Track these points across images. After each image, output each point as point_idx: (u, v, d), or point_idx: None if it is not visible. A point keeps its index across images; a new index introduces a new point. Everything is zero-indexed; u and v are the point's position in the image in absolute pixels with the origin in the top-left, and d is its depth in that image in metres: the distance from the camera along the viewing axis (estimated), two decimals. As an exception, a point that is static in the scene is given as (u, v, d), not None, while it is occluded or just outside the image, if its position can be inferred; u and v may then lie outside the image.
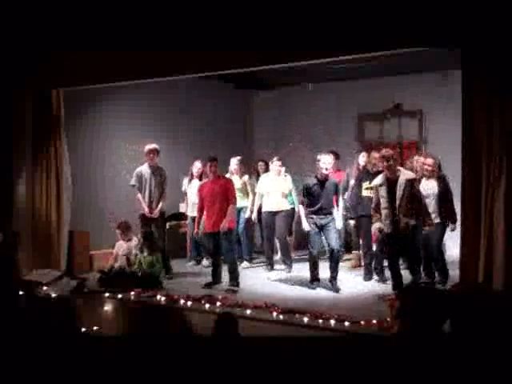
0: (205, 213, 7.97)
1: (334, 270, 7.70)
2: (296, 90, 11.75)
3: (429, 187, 7.50)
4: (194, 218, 8.90)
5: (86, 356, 4.34)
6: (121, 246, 8.41)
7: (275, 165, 8.95)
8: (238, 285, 7.74)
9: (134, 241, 8.37)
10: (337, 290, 7.55)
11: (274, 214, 8.92)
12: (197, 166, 9.43)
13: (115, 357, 4.23)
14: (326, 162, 7.66)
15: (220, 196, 7.88)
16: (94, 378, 4.09)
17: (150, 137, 10.27)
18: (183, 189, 9.65)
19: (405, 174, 7.01)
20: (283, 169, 9.12)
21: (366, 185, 8.10)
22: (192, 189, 9.22)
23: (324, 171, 7.65)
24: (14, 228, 8.06)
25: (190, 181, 9.51)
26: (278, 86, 11.87)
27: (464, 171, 5.91)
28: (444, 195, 7.49)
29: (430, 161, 7.64)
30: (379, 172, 7.54)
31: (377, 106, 11.04)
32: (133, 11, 7.17)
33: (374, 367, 4.21)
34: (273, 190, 8.94)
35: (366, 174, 8.21)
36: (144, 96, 10.03)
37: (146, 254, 8.04)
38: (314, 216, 7.69)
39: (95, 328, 5.44)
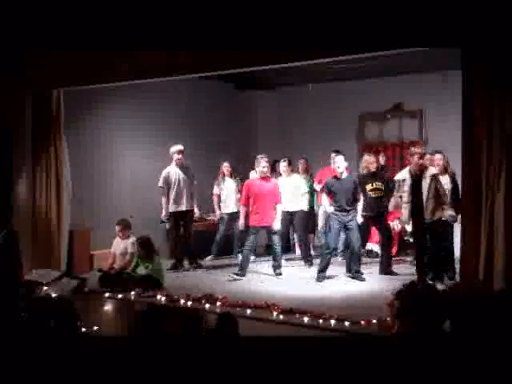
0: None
1: (355, 263, 8.24)
2: (296, 90, 11.76)
3: (443, 183, 7.65)
4: (230, 214, 9.78)
5: (85, 356, 4.34)
6: (117, 245, 8.37)
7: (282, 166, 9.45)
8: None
9: (132, 239, 8.32)
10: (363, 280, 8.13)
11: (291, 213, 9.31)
12: (225, 166, 10.00)
13: (115, 357, 4.22)
14: (337, 161, 8.28)
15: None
16: (94, 378, 4.09)
17: (150, 137, 10.32)
18: (215, 190, 10.05)
19: (429, 170, 7.51)
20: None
21: (369, 187, 8.46)
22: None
23: (338, 170, 8.26)
24: (13, 227, 8.07)
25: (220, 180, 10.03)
26: (278, 86, 11.88)
27: (464, 171, 5.91)
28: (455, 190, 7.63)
29: (438, 156, 7.84)
30: (375, 173, 8.44)
31: (377, 106, 11.05)
32: (133, 11, 7.16)
33: (374, 367, 4.20)
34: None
35: (368, 177, 8.58)
36: (144, 96, 10.04)
37: (145, 260, 7.98)
38: (338, 213, 8.17)
39: (95, 328, 5.44)
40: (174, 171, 9.19)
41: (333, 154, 9.11)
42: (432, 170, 7.60)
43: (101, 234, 9.20)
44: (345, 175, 8.30)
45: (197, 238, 9.86)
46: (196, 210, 9.36)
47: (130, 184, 10.06)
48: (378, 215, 8.49)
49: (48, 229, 8.40)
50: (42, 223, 8.40)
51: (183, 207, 9.20)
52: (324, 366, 4.39)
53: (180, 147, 9.23)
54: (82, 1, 7.51)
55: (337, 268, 9.25)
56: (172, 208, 9.16)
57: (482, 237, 5.67)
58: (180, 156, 9.18)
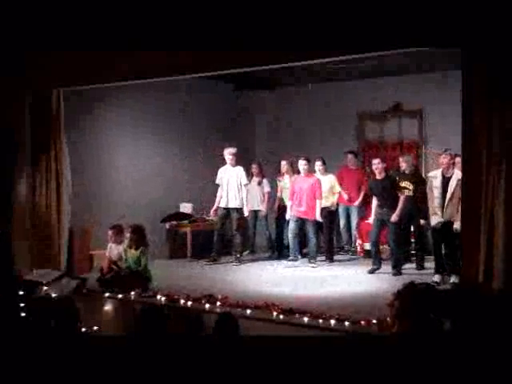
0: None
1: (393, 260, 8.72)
2: (296, 90, 11.75)
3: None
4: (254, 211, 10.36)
5: (86, 356, 4.34)
6: (112, 251, 8.22)
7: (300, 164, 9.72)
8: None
9: (124, 243, 8.19)
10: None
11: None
12: (254, 167, 10.55)
13: (115, 357, 4.23)
14: (375, 163, 8.87)
15: None
16: (94, 378, 4.09)
17: (150, 136, 10.33)
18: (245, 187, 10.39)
19: (457, 174, 7.73)
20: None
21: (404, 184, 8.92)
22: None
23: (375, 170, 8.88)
24: (8, 229, 8.08)
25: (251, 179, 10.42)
26: (278, 86, 11.87)
27: (464, 171, 5.91)
28: None
29: (458, 159, 8.23)
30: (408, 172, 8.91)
31: (377, 106, 11.05)
32: (133, 11, 7.16)
33: (374, 367, 4.21)
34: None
35: (401, 175, 9.09)
36: (144, 96, 10.05)
37: (133, 249, 7.88)
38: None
39: (95, 328, 5.44)
40: (225, 170, 9.86)
41: (350, 156, 10.52)
42: (459, 175, 7.86)
43: (101, 233, 9.18)
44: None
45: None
46: (245, 208, 9.81)
47: (130, 184, 10.06)
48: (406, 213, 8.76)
49: (48, 228, 8.39)
50: (42, 223, 8.39)
51: (229, 204, 9.76)
52: (324, 366, 4.39)
53: (229, 150, 9.80)
54: (82, 1, 7.51)
55: (337, 268, 9.27)
56: (220, 203, 9.83)
57: (481, 237, 5.67)
58: (230, 157, 9.79)
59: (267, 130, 12.17)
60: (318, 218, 9.42)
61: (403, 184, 8.85)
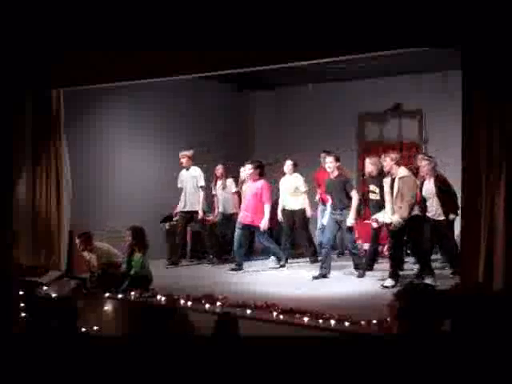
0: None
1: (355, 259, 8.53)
2: (296, 90, 11.75)
3: (428, 188, 8.10)
4: (225, 215, 9.98)
5: (85, 356, 4.34)
6: (89, 257, 8.10)
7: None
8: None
9: (95, 254, 8.05)
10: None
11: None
12: (218, 169, 10.09)
13: (115, 357, 4.23)
14: (327, 161, 8.48)
15: None
16: (94, 378, 4.10)
17: (150, 137, 10.32)
18: (213, 192, 10.22)
19: (400, 173, 7.62)
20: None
21: (371, 188, 8.53)
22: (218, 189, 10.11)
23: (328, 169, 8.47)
24: (14, 227, 8.09)
25: (216, 182, 10.14)
26: (278, 86, 11.87)
27: (464, 171, 5.91)
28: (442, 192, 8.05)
29: (423, 163, 8.30)
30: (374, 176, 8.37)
31: (377, 106, 11.05)
32: (133, 11, 7.17)
33: (374, 367, 4.21)
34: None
35: (369, 178, 8.66)
36: (144, 96, 10.05)
37: (136, 252, 7.72)
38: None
39: (95, 328, 5.43)
40: (183, 173, 9.76)
41: (323, 154, 9.54)
42: (401, 172, 7.64)
43: (100, 234, 9.17)
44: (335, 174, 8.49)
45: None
46: (200, 212, 9.60)
47: (129, 184, 10.06)
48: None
49: (48, 229, 8.39)
50: (42, 223, 8.39)
51: (186, 207, 9.66)
52: (324, 366, 4.39)
53: (184, 152, 9.68)
54: (82, 1, 7.52)
55: (337, 268, 9.27)
56: (179, 207, 9.75)
57: (481, 237, 5.66)
58: (182, 160, 9.66)
59: (267, 130, 12.16)
60: (264, 225, 8.90)
61: (371, 188, 8.45)
